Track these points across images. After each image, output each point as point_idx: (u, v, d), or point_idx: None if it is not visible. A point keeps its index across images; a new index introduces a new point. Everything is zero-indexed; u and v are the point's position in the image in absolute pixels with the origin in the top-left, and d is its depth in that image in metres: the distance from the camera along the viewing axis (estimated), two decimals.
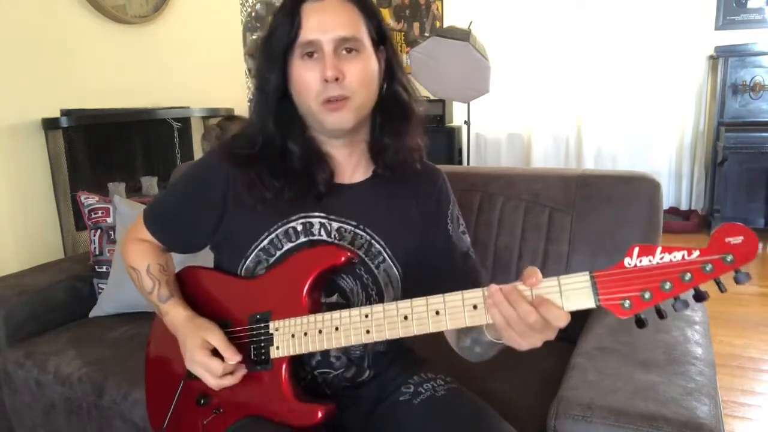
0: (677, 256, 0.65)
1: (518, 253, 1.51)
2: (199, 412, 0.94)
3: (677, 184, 4.14)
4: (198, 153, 3.02)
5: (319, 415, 0.85)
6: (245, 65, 3.63)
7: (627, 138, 4.17)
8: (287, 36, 0.85)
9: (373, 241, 0.94)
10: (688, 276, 0.64)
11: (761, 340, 2.37)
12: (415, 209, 0.98)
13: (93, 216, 1.79)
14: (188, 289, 1.01)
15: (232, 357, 0.86)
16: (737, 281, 0.64)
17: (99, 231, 1.78)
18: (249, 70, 3.70)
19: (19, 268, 1.83)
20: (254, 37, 3.84)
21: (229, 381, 0.87)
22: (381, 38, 0.90)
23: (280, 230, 0.92)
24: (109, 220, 1.78)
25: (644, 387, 0.95)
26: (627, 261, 0.66)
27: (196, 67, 3.04)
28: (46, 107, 2.25)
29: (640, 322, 0.68)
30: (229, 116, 2.97)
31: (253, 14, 3.86)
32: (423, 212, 0.98)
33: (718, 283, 0.65)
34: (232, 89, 3.37)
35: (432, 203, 0.99)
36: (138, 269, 1.00)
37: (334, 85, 0.84)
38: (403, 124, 0.93)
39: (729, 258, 0.63)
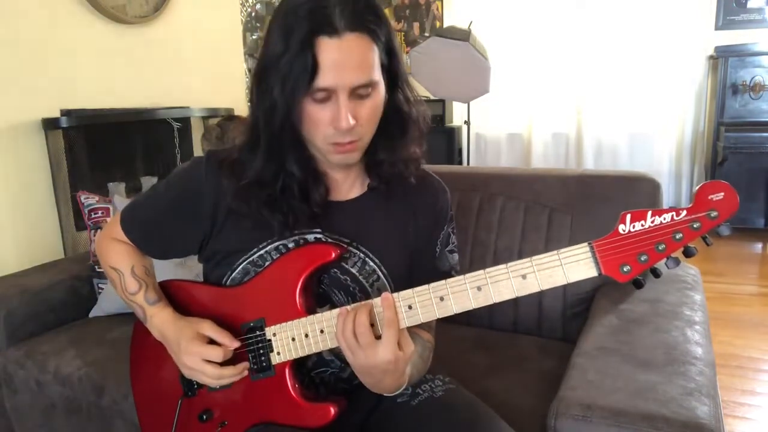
0: (666, 217, 0.69)
1: (518, 254, 1.51)
2: (202, 429, 0.92)
3: (677, 184, 4.14)
4: (198, 153, 3.02)
5: (332, 412, 0.84)
6: (245, 65, 3.63)
7: (627, 138, 4.17)
8: (302, 75, 0.77)
9: (367, 259, 0.92)
10: (678, 235, 0.69)
11: (761, 340, 2.37)
12: (413, 227, 0.96)
13: (93, 216, 1.80)
14: (172, 303, 0.97)
15: (230, 342, 0.86)
16: (719, 233, 0.69)
17: (99, 231, 1.78)
18: (249, 70, 3.70)
19: (19, 268, 1.82)
20: (254, 37, 3.84)
21: (230, 372, 0.85)
22: (388, 53, 0.84)
23: (270, 246, 0.90)
24: (109, 220, 1.78)
25: (644, 387, 0.95)
26: (621, 228, 0.70)
27: (196, 67, 3.04)
28: (46, 107, 2.24)
29: (638, 283, 0.72)
30: (229, 116, 2.97)
31: (253, 14, 3.86)
32: (418, 231, 0.96)
33: (704, 238, 0.70)
34: (232, 89, 3.36)
35: (429, 222, 0.97)
36: (121, 270, 0.97)
37: (346, 132, 0.80)
38: (401, 137, 0.90)
39: (713, 214, 0.68)
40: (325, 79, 0.77)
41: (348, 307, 0.80)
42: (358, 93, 0.80)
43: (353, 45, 0.78)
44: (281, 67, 0.78)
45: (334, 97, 0.79)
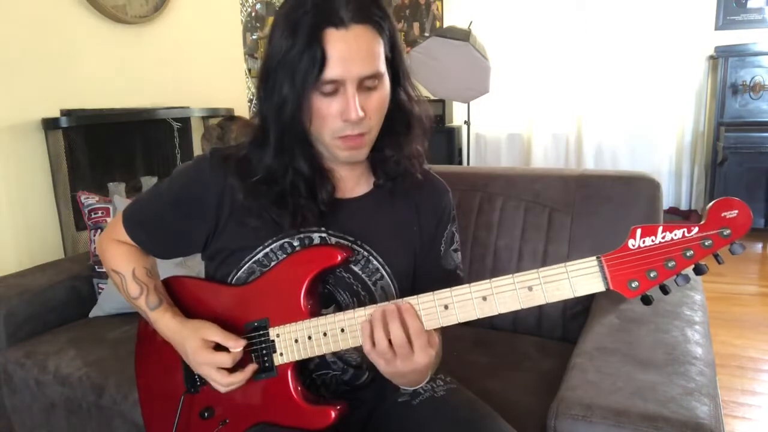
0: (678, 234, 0.67)
1: (518, 254, 1.51)
2: (203, 426, 0.92)
3: (677, 184, 4.14)
4: (198, 153, 3.02)
5: (333, 415, 0.84)
6: (245, 65, 3.63)
7: (627, 138, 4.17)
8: (310, 68, 0.77)
9: (371, 257, 0.91)
10: (689, 253, 0.67)
11: (761, 340, 2.37)
12: (417, 227, 0.96)
13: (93, 216, 1.80)
14: (176, 300, 0.97)
15: (237, 344, 0.84)
16: (732, 252, 0.66)
17: (99, 231, 1.78)
18: (249, 70, 3.70)
19: (19, 268, 1.82)
20: (254, 37, 3.84)
21: (239, 379, 0.84)
22: (392, 48, 0.85)
23: (275, 245, 0.89)
24: (109, 220, 1.78)
25: (644, 387, 0.95)
26: (631, 243, 0.69)
27: (196, 67, 3.04)
28: (46, 107, 2.24)
29: (647, 300, 0.70)
30: (229, 116, 2.97)
31: (253, 14, 3.86)
32: (422, 230, 0.96)
33: (716, 256, 0.68)
34: (232, 89, 3.36)
35: (432, 222, 0.97)
36: (122, 273, 0.96)
37: (355, 124, 0.81)
38: (405, 134, 0.91)
39: (726, 232, 0.66)
40: (333, 70, 0.77)
41: (369, 312, 0.78)
42: (366, 85, 0.80)
43: (360, 36, 0.78)
44: (289, 61, 0.78)
45: (342, 90, 0.79)
